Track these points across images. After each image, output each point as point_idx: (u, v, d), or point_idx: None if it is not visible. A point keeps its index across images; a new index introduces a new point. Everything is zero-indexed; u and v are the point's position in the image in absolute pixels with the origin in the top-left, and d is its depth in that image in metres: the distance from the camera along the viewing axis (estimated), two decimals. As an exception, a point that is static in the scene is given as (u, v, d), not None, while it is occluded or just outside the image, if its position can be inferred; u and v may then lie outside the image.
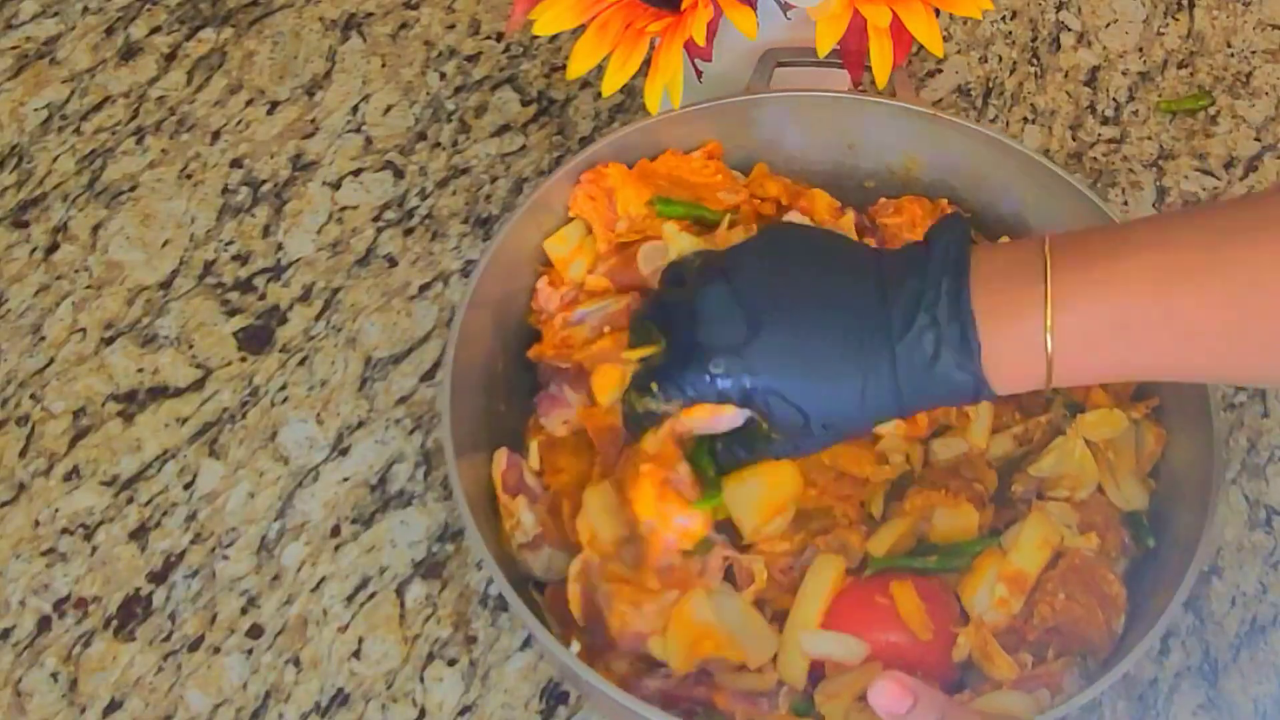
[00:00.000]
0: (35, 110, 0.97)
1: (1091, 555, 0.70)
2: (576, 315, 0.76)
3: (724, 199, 0.80)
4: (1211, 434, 0.70)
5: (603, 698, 0.63)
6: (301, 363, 0.86)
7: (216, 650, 0.76)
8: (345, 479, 0.82)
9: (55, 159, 0.94)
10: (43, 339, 0.87)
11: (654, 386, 0.65)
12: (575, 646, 0.66)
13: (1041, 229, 0.79)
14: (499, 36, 1.02)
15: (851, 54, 0.80)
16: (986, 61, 1.03)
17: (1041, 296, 0.58)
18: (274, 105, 0.98)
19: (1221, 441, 0.70)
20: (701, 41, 0.74)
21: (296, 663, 0.76)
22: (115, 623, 0.77)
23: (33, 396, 0.84)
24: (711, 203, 0.80)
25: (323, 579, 0.79)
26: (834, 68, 0.82)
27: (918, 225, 0.80)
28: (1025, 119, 0.99)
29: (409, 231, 0.92)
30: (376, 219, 0.93)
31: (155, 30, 1.01)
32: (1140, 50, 1.04)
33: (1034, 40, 1.04)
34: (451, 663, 0.76)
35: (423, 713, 0.75)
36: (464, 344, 0.72)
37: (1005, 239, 0.81)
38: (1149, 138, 0.99)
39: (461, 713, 0.75)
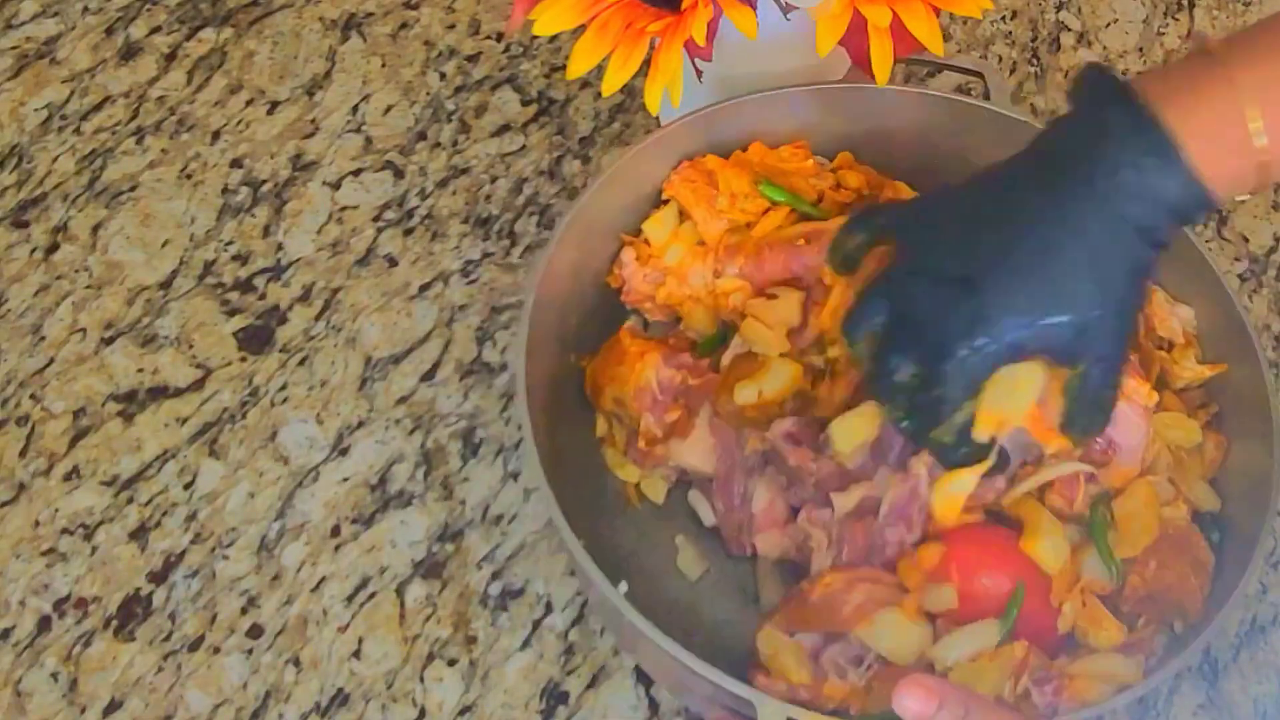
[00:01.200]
0: (35, 110, 0.97)
1: (1184, 523, 0.71)
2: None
3: (814, 184, 0.81)
4: (1272, 433, 0.71)
5: (647, 643, 0.64)
6: (301, 363, 0.86)
7: (216, 650, 0.76)
8: (345, 479, 0.82)
9: (55, 159, 0.94)
10: (43, 339, 0.87)
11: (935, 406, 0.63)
12: (624, 586, 0.68)
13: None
14: (499, 36, 1.02)
15: (854, 54, 0.80)
16: (986, 61, 1.03)
17: (1232, 96, 0.56)
18: (274, 105, 0.98)
19: None
20: (701, 41, 0.74)
21: (296, 663, 0.76)
22: (115, 623, 0.77)
23: (33, 396, 0.84)
24: (803, 190, 0.81)
25: (323, 579, 0.79)
26: (957, 71, 0.83)
27: None
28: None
29: (409, 231, 0.92)
30: (376, 219, 0.93)
31: (155, 30, 1.01)
32: (1140, 50, 1.04)
33: (1034, 40, 1.04)
34: (451, 663, 0.76)
35: (423, 713, 0.75)
36: (539, 308, 0.73)
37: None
38: (1149, 138, 0.99)
39: (461, 713, 0.75)
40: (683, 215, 0.81)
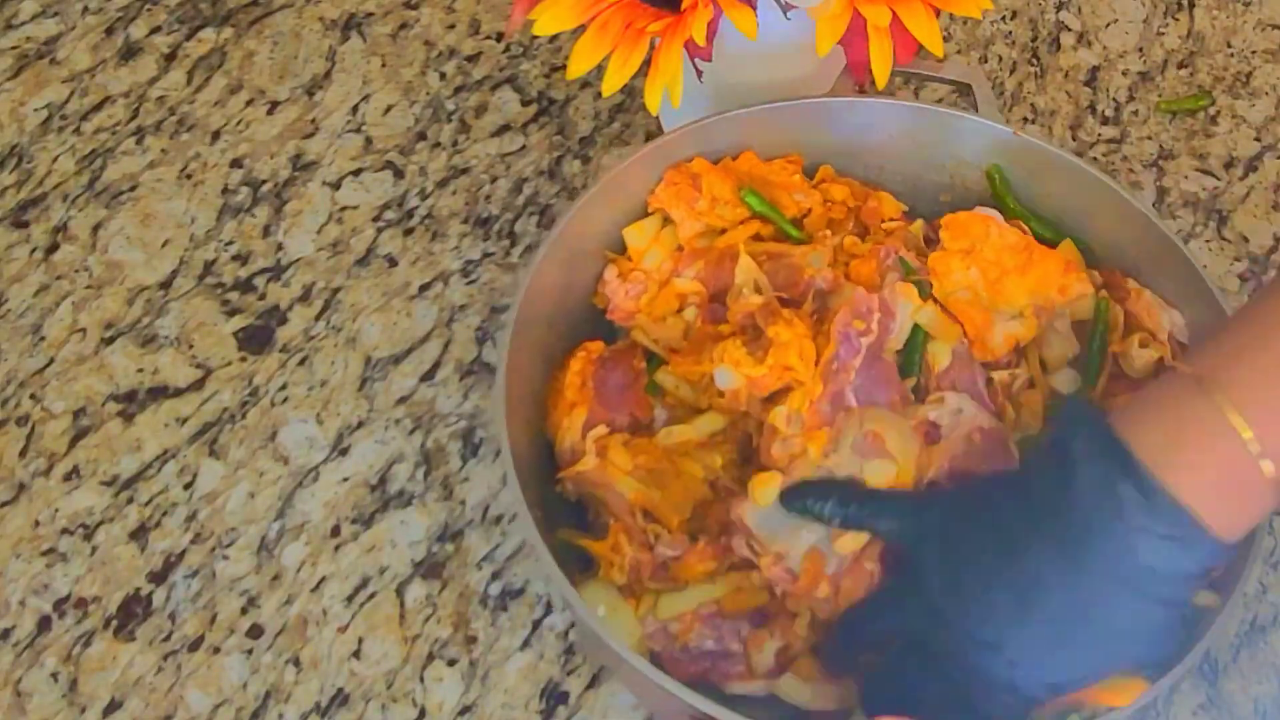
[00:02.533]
0: (35, 110, 0.97)
1: None
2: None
3: (798, 201, 0.81)
4: None
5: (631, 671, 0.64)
6: (301, 363, 0.86)
7: (216, 650, 0.76)
8: (345, 479, 0.82)
9: (55, 159, 0.94)
10: (43, 339, 0.87)
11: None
12: (602, 610, 0.68)
13: (1120, 268, 0.79)
14: (499, 36, 1.02)
15: (853, 54, 0.80)
16: (986, 61, 1.03)
17: (1225, 422, 0.53)
18: (274, 105, 0.98)
19: None
20: (701, 41, 0.74)
21: (296, 663, 0.76)
22: (115, 623, 0.77)
23: (33, 396, 0.84)
24: (786, 205, 0.81)
25: (323, 579, 0.79)
26: (945, 83, 0.83)
27: (975, 248, 0.79)
28: (1025, 119, 0.99)
29: (409, 231, 0.92)
30: (376, 219, 0.93)
31: (155, 30, 1.01)
32: (1140, 50, 1.04)
33: (1034, 40, 1.04)
34: (451, 663, 0.76)
35: (423, 713, 0.75)
36: (523, 326, 0.72)
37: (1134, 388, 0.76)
38: (1149, 138, 0.99)
39: (461, 713, 0.75)
40: (666, 221, 0.81)
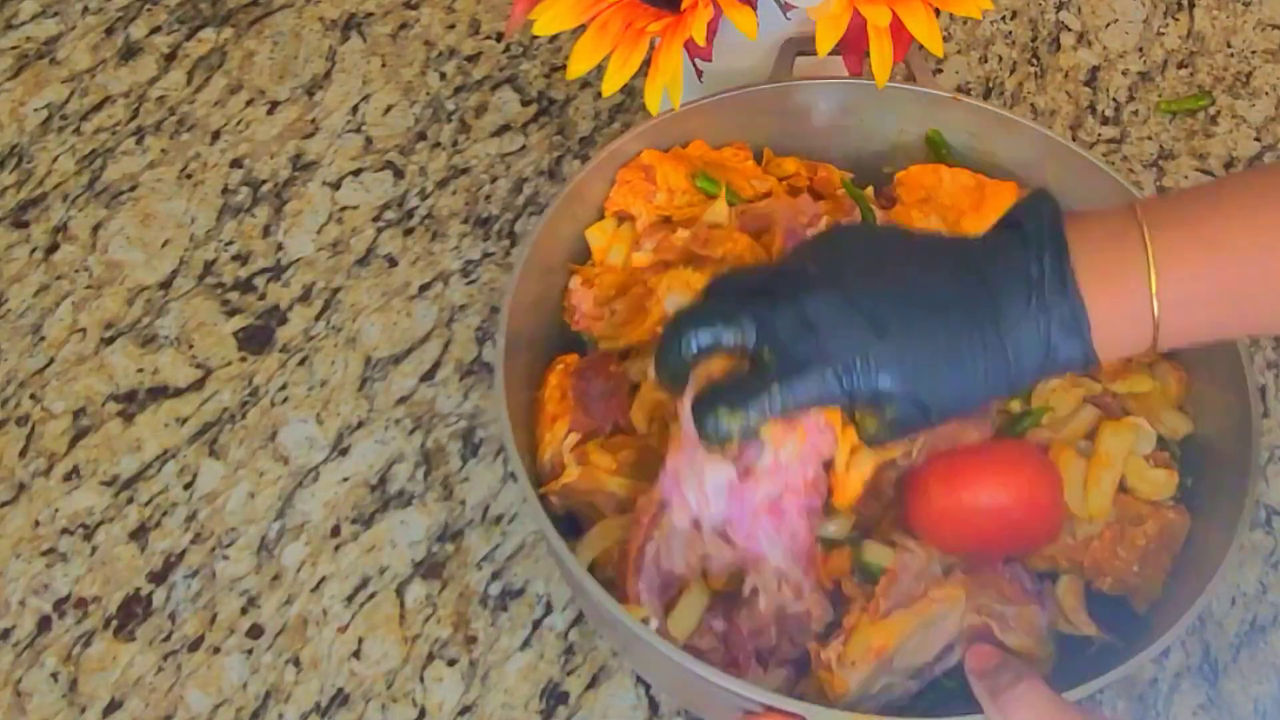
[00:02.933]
0: (35, 110, 0.97)
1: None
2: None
3: (755, 186, 0.81)
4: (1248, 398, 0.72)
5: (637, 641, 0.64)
6: (301, 363, 0.86)
7: (216, 650, 0.76)
8: (345, 479, 0.82)
9: (55, 159, 0.95)
10: (43, 339, 0.87)
11: (771, 393, 0.62)
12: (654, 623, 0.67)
13: (1068, 207, 0.80)
14: (499, 36, 1.02)
15: (852, 54, 0.80)
16: (986, 61, 1.03)
17: (1144, 263, 0.59)
18: (274, 105, 0.98)
19: (1256, 395, 0.72)
20: (701, 41, 0.74)
21: (296, 663, 0.76)
22: (115, 623, 0.77)
23: (33, 396, 0.84)
24: (743, 188, 0.81)
25: (323, 579, 0.79)
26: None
27: (931, 196, 0.81)
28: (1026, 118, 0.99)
29: (409, 231, 0.92)
30: (376, 219, 0.93)
31: (155, 30, 1.01)
32: (1140, 50, 1.04)
33: (1034, 40, 1.04)
34: (451, 663, 0.76)
35: (423, 713, 0.75)
36: (509, 350, 0.72)
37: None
38: (1149, 138, 0.99)
39: (461, 713, 0.75)
40: (623, 219, 0.81)
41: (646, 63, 0.76)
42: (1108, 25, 1.06)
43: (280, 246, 0.91)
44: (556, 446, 0.73)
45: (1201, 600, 0.66)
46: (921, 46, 0.78)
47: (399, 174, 0.95)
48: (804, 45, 0.84)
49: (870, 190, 0.83)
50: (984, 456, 0.70)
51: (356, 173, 0.95)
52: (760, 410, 0.62)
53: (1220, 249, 0.59)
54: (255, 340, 0.87)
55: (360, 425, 0.84)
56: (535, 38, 1.02)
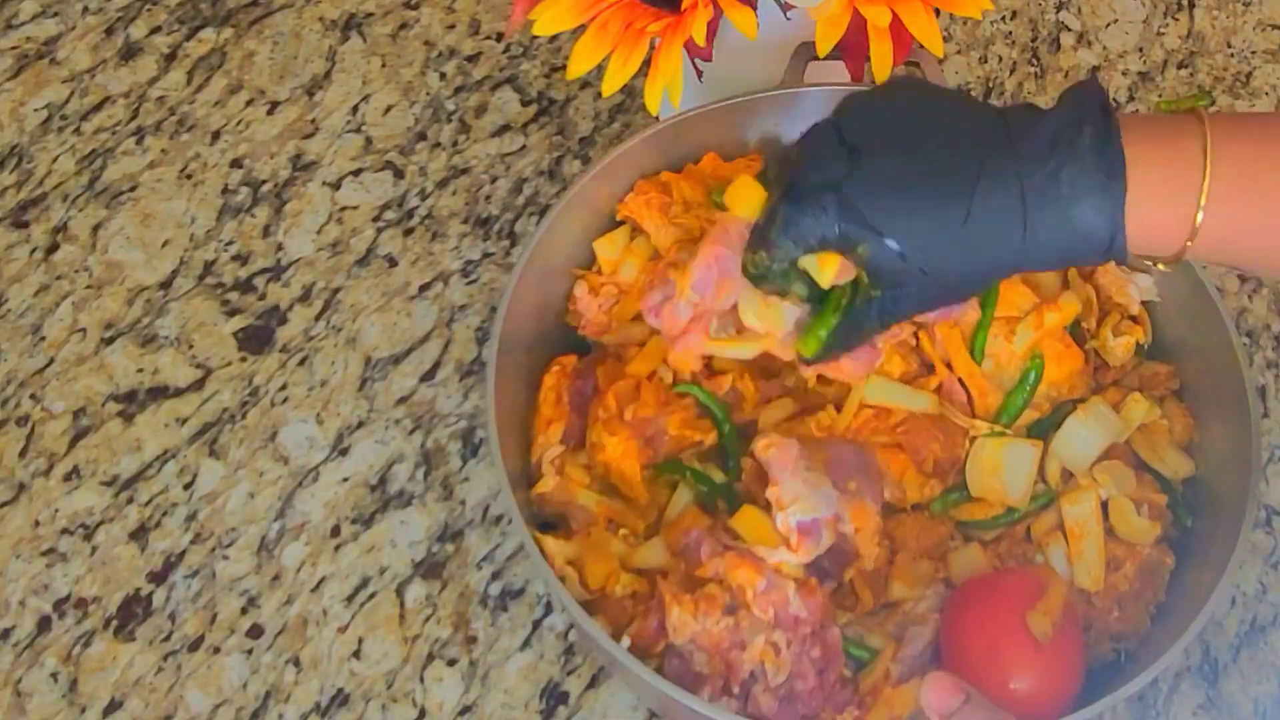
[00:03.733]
0: (35, 110, 0.97)
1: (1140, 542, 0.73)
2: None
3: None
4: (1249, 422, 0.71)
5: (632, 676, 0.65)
6: (301, 363, 0.86)
7: (216, 650, 0.76)
8: (345, 479, 0.82)
9: (55, 159, 0.94)
10: (43, 339, 0.87)
11: (771, 234, 0.60)
12: (625, 642, 0.68)
13: None
14: (499, 36, 1.02)
15: (852, 54, 0.80)
16: (986, 61, 1.03)
17: (1201, 138, 0.55)
18: (274, 105, 0.98)
19: (1259, 427, 0.72)
20: (701, 41, 0.74)
21: (296, 663, 0.76)
22: (115, 623, 0.77)
23: (33, 396, 0.84)
24: (755, 199, 0.80)
25: (323, 579, 0.79)
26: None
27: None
28: (1025, 119, 0.99)
29: (409, 231, 0.92)
30: (376, 219, 0.93)
31: (155, 30, 1.01)
32: (1140, 50, 1.04)
33: (1034, 40, 1.04)
34: (451, 663, 0.76)
35: (423, 713, 0.75)
36: (504, 350, 0.72)
37: None
38: (1149, 138, 0.99)
39: (461, 713, 0.75)
40: (635, 233, 0.81)
41: (646, 63, 0.76)
42: (1108, 25, 1.06)
43: (280, 246, 0.91)
44: (545, 451, 0.74)
45: (1200, 618, 0.66)
46: (922, 47, 0.78)
47: (399, 174, 0.95)
48: (814, 51, 0.83)
49: None
50: (1027, 641, 0.67)
51: (356, 173, 0.95)
52: (770, 252, 0.60)
53: (1272, 157, 0.55)
54: (255, 340, 0.87)
55: (360, 425, 0.84)
56: (535, 38, 1.02)
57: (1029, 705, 0.65)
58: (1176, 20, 1.06)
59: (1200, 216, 0.55)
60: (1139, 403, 0.75)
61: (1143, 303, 0.79)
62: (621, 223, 0.81)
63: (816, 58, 0.83)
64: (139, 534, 0.80)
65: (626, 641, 0.67)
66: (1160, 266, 0.59)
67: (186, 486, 0.81)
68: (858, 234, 0.57)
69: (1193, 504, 0.75)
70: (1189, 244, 0.56)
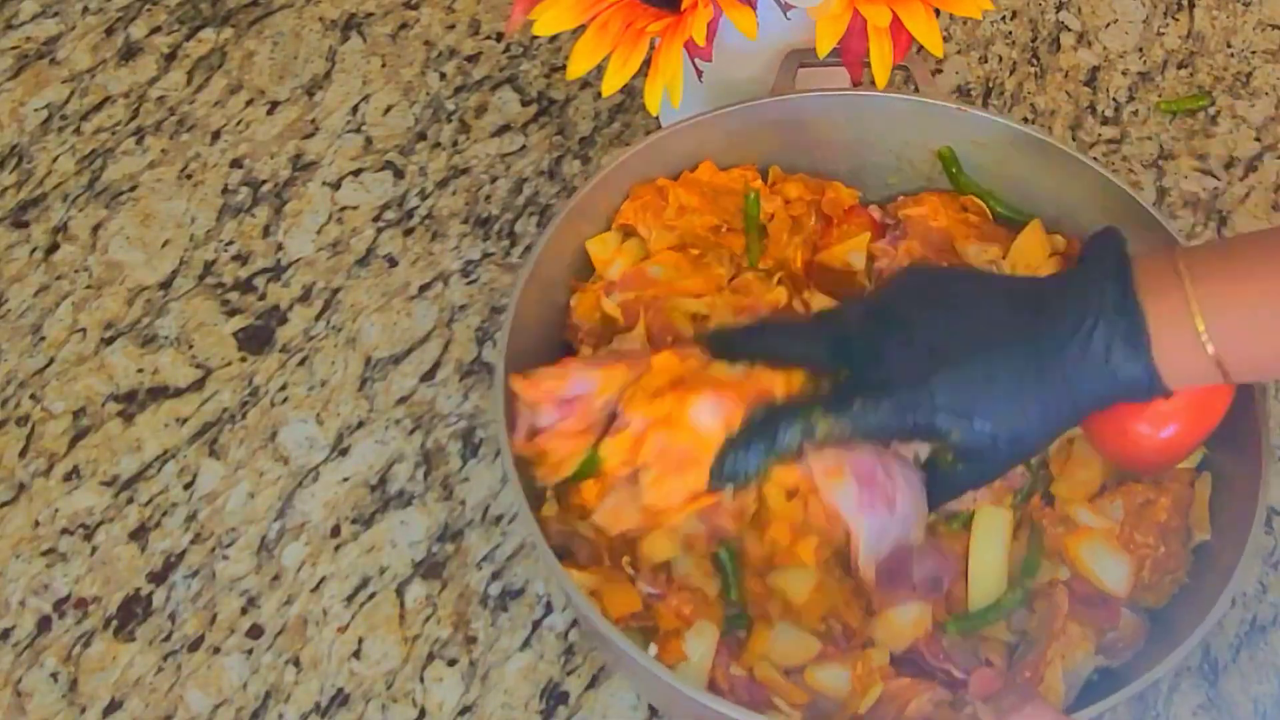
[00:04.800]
0: (35, 110, 0.97)
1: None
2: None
3: (764, 206, 0.81)
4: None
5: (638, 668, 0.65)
6: (301, 363, 0.86)
7: (216, 650, 0.76)
8: (345, 479, 0.82)
9: (55, 159, 0.95)
10: (43, 339, 0.87)
11: (847, 407, 0.65)
12: (653, 649, 0.68)
13: (1073, 221, 0.81)
14: (499, 36, 1.02)
15: (851, 54, 0.80)
16: (986, 61, 1.03)
17: (1185, 304, 0.61)
18: (274, 105, 0.98)
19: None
20: (701, 41, 0.74)
21: (296, 663, 0.76)
22: (115, 623, 0.77)
23: (33, 396, 0.84)
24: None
25: (323, 579, 0.79)
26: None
27: (939, 214, 0.81)
28: (1025, 119, 0.99)
29: (409, 231, 0.92)
30: (376, 219, 0.93)
31: (155, 30, 1.01)
32: (1140, 50, 1.04)
33: (1034, 40, 1.04)
34: (451, 663, 0.76)
35: (423, 713, 0.75)
36: (510, 369, 0.71)
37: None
38: (1149, 138, 0.99)
39: (461, 713, 0.75)
40: (628, 236, 0.80)
41: (646, 63, 0.76)
42: (1108, 25, 1.06)
43: (280, 246, 0.91)
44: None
45: (1216, 610, 0.66)
46: (921, 48, 0.78)
47: (399, 174, 0.95)
48: (807, 57, 0.83)
49: (874, 211, 0.83)
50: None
51: (356, 173, 0.95)
52: (829, 428, 0.65)
53: (1258, 286, 0.61)
54: (255, 340, 0.87)
55: (360, 425, 0.84)
56: (535, 38, 1.02)
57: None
58: (1176, 20, 1.06)
59: (1213, 351, 0.61)
60: None
61: None
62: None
63: (806, 64, 0.83)
64: (139, 534, 0.80)
65: (654, 649, 0.67)
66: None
67: (186, 486, 0.81)
68: (953, 422, 0.64)
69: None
70: (1227, 373, 0.62)
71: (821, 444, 0.65)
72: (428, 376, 0.86)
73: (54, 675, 0.75)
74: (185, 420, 0.84)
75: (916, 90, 0.83)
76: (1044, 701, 0.63)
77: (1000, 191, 0.83)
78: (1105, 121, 1.00)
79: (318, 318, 0.88)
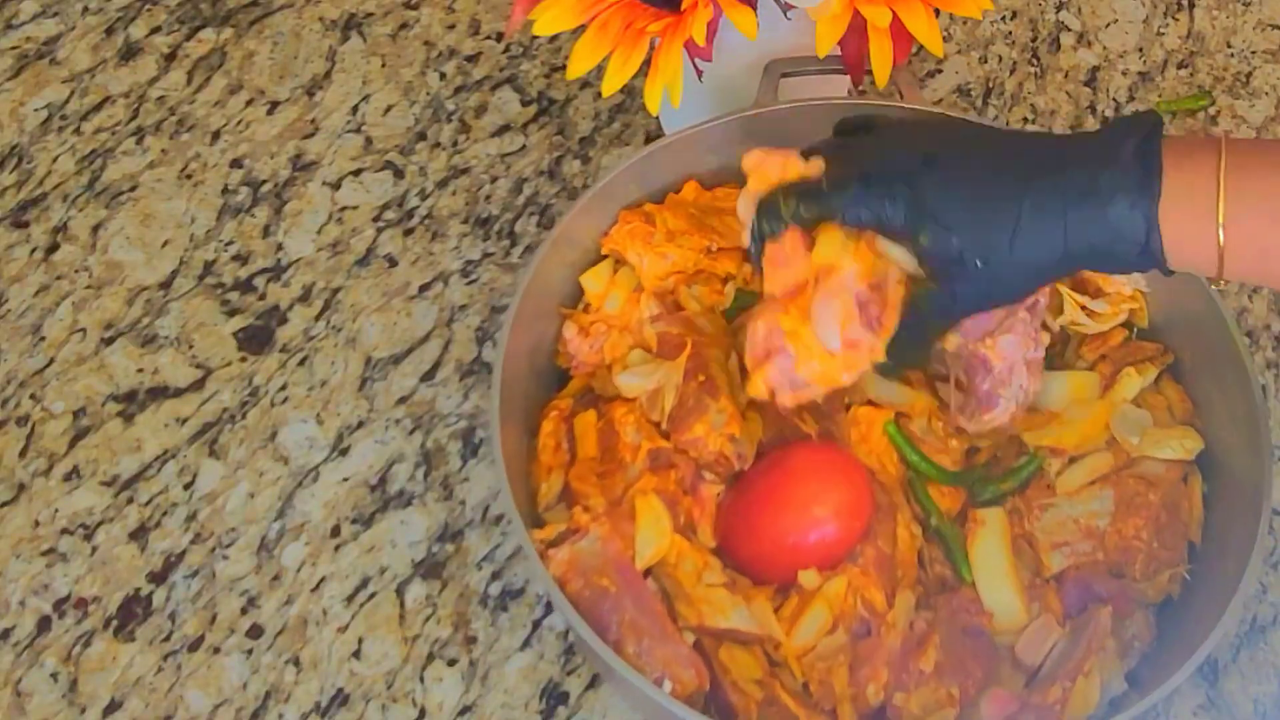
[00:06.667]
0: (35, 110, 0.97)
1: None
2: (625, 378, 0.76)
3: None
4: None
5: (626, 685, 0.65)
6: (301, 363, 0.86)
7: (216, 650, 0.76)
8: (345, 479, 0.82)
9: (55, 159, 0.95)
10: (43, 339, 0.87)
11: (833, 201, 0.65)
12: (667, 686, 0.67)
13: None
14: (499, 36, 1.02)
15: (852, 55, 0.80)
16: (986, 61, 1.03)
17: (1214, 175, 0.59)
18: (274, 105, 0.98)
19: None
20: (701, 41, 0.74)
21: (296, 663, 0.76)
22: (115, 623, 0.77)
23: (33, 396, 0.84)
24: (738, 229, 0.79)
25: (323, 579, 0.79)
26: (836, 73, 0.82)
27: None
28: (1025, 119, 0.99)
29: (409, 231, 0.92)
30: (376, 219, 0.93)
31: (155, 30, 1.01)
32: (1140, 50, 1.04)
33: (1034, 40, 1.04)
34: (451, 663, 0.76)
35: (423, 713, 0.75)
36: (504, 400, 0.72)
37: None
38: (1149, 138, 0.99)
39: (461, 713, 0.75)
40: (619, 265, 0.80)
41: (647, 63, 0.76)
42: (1108, 25, 1.06)
43: (280, 246, 0.91)
44: (551, 499, 0.74)
45: (1231, 608, 0.66)
46: (921, 49, 0.78)
47: (399, 174, 0.95)
48: (788, 67, 0.83)
49: None
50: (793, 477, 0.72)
51: (356, 173, 0.95)
52: (818, 205, 0.66)
53: None
54: (255, 340, 0.87)
55: (360, 425, 0.84)
56: (535, 38, 1.02)
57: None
58: (1176, 20, 1.06)
59: (1222, 236, 0.59)
60: (1131, 378, 0.76)
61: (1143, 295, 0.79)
62: (607, 256, 0.81)
63: (788, 74, 0.83)
64: (139, 534, 0.80)
65: (669, 686, 0.67)
66: (1214, 287, 0.64)
67: (186, 486, 0.81)
68: (921, 222, 0.63)
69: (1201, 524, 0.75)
70: (1223, 260, 0.60)
71: (804, 221, 0.66)
72: (428, 376, 0.86)
73: (54, 675, 0.75)
74: (185, 420, 0.84)
75: (902, 97, 0.83)
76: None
77: None
78: (1105, 121, 1.00)
79: (318, 318, 0.88)
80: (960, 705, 0.68)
